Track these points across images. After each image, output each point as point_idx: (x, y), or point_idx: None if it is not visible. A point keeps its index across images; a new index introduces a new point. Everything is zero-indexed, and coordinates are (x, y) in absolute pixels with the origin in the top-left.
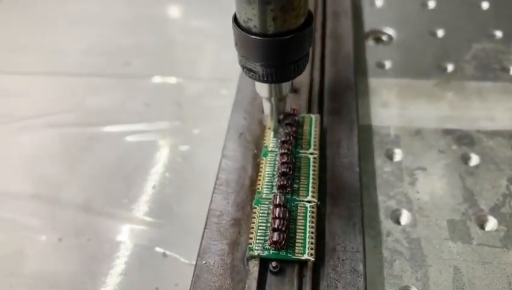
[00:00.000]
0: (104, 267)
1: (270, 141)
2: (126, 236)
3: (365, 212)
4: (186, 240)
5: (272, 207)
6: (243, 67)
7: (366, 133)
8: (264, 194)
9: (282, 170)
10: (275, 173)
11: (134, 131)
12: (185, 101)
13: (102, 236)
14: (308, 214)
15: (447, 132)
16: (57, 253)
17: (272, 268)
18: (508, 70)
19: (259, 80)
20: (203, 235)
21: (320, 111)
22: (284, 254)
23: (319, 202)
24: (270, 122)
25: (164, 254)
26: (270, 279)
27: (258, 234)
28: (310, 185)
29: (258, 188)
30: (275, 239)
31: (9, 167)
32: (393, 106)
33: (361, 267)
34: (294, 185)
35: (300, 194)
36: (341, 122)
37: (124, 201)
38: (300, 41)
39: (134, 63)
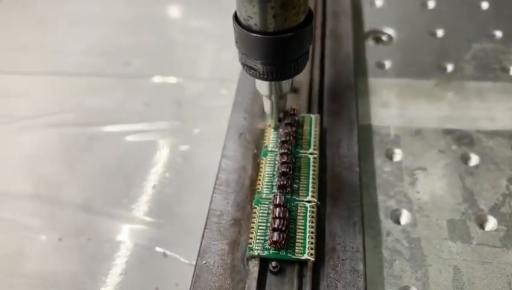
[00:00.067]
0: (104, 267)
1: (270, 141)
2: (126, 236)
3: (365, 212)
4: (186, 240)
5: (271, 207)
6: (244, 65)
7: (366, 133)
8: (264, 194)
9: (282, 169)
10: (274, 173)
11: (134, 131)
12: (185, 101)
13: (103, 236)
14: (308, 214)
15: (447, 132)
16: (57, 253)
17: (271, 268)
18: (508, 70)
19: (260, 78)
20: (203, 235)
21: (320, 111)
22: (284, 253)
23: (319, 202)
24: (270, 120)
25: (164, 254)
26: (270, 279)
27: (258, 234)
28: (310, 185)
29: (258, 188)
30: (275, 239)
31: (9, 167)
32: (393, 106)
33: (361, 267)
34: (294, 185)
35: (300, 194)
36: (341, 122)
37: (124, 201)
38: (301, 39)
39: (134, 63)
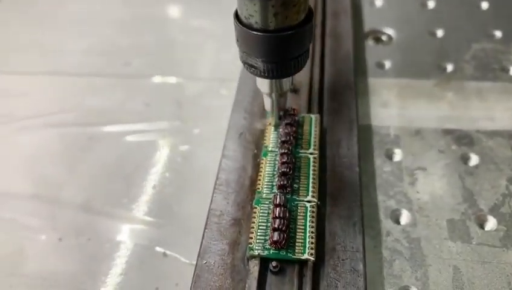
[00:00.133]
0: (104, 267)
1: (270, 141)
2: (126, 236)
3: (365, 212)
4: (186, 240)
5: (272, 207)
6: (244, 63)
7: (365, 133)
8: (264, 194)
9: (282, 169)
10: (275, 172)
11: (134, 131)
12: (185, 101)
13: (102, 236)
14: (308, 213)
15: (447, 132)
16: (57, 253)
17: (272, 268)
18: (508, 70)
19: (260, 76)
20: (203, 235)
21: (320, 111)
22: (284, 253)
23: (319, 202)
24: (271, 118)
25: (164, 254)
26: (270, 279)
27: (258, 233)
28: (310, 185)
29: (258, 188)
30: (275, 239)
31: (9, 167)
32: (393, 106)
33: (361, 266)
34: (294, 185)
35: (301, 194)
36: (341, 122)
37: (124, 201)
38: (301, 38)
39: (134, 63)
